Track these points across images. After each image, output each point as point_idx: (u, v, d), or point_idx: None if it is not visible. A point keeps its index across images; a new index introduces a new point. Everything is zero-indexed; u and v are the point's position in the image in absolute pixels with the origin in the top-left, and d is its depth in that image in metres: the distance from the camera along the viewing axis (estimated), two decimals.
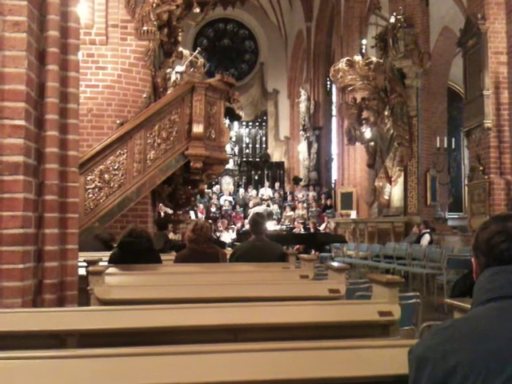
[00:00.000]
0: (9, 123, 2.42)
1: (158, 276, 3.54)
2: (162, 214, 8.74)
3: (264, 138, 22.66)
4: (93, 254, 3.99)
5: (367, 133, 13.30)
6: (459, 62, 11.03)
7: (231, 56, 23.56)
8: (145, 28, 6.53)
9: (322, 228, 15.12)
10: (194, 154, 6.19)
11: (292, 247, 10.93)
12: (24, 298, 2.44)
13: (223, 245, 11.48)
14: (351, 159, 15.60)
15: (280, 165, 21.54)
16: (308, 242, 12.22)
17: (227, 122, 8.50)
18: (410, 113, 12.24)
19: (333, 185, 18.60)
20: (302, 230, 14.41)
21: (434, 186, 12.30)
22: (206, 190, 11.87)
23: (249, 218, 5.63)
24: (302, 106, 19.93)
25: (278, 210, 17.52)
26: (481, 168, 9.03)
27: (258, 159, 21.90)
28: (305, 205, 17.34)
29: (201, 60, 10.10)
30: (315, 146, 19.40)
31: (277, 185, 19.27)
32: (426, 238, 10.14)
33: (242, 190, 18.86)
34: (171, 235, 8.30)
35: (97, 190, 5.62)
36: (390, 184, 12.83)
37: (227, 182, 19.61)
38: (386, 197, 12.92)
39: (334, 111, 18.76)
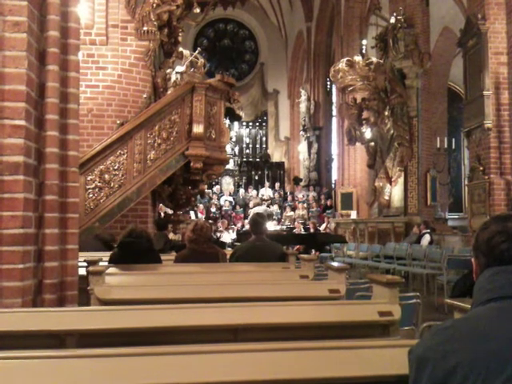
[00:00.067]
0: (9, 123, 2.42)
1: (158, 276, 3.54)
2: (162, 214, 8.73)
3: (264, 139, 22.64)
4: (93, 254, 3.99)
5: (367, 133, 13.30)
6: (459, 63, 11.03)
7: (231, 56, 23.56)
8: (145, 28, 6.53)
9: (322, 228, 15.12)
10: (195, 154, 6.20)
11: (292, 247, 10.91)
12: (24, 298, 2.44)
13: (223, 245, 11.50)
14: (351, 159, 15.61)
15: (280, 165, 21.53)
16: (308, 242, 12.21)
17: (227, 122, 8.50)
18: (411, 113, 12.24)
19: (333, 185, 18.60)
20: (302, 230, 14.41)
21: (434, 187, 12.30)
22: (206, 191, 11.86)
23: (249, 218, 5.63)
24: (302, 106, 19.93)
25: (278, 211, 17.51)
26: (481, 168, 9.04)
27: (258, 159, 21.88)
28: (305, 205, 17.34)
29: (201, 60, 10.08)
30: (315, 146, 19.41)
31: (277, 185, 19.26)
32: (427, 239, 10.14)
33: (242, 191, 18.84)
34: (171, 235, 8.30)
35: (97, 190, 5.62)
36: (390, 184, 12.83)
37: (227, 183, 19.60)
38: (386, 197, 12.92)
39: (334, 111, 18.77)
